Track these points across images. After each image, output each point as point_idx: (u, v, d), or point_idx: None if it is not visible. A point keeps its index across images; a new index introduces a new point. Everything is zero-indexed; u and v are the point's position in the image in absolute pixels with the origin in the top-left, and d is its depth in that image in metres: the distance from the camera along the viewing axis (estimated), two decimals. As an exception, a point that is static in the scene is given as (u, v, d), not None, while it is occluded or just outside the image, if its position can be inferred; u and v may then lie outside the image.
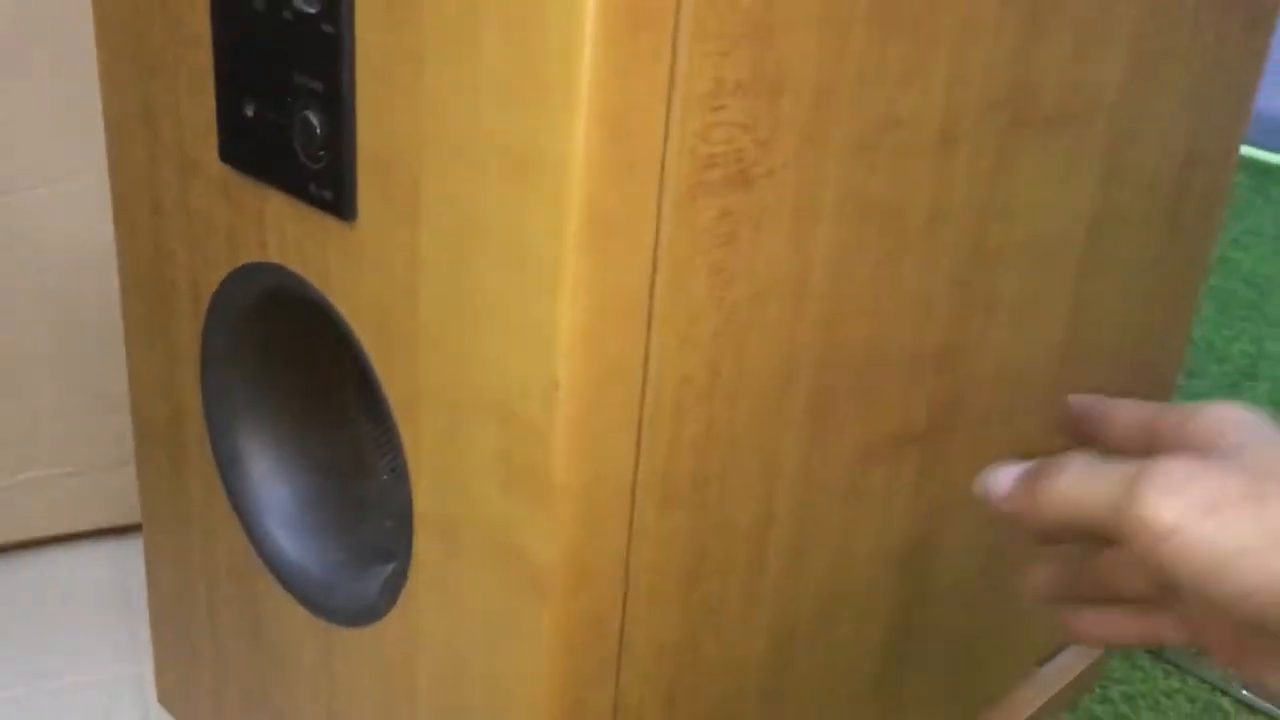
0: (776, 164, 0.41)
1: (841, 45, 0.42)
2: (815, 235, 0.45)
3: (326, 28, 0.42)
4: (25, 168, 0.81)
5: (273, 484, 0.58)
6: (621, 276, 0.39)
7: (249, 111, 0.47)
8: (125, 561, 0.94)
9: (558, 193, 0.37)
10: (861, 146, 0.45)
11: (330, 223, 0.46)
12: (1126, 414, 0.41)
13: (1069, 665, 0.83)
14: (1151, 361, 0.76)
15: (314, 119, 0.44)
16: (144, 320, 0.60)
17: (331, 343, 0.49)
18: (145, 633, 0.86)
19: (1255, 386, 1.31)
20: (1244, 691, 0.82)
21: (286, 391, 0.57)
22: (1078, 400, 0.40)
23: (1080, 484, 0.38)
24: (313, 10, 0.43)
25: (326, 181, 0.45)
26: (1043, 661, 0.82)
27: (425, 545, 0.47)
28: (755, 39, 0.39)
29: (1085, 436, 0.40)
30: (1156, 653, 0.87)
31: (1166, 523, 0.34)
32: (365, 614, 0.52)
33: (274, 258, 0.50)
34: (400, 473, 0.49)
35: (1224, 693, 0.83)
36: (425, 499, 0.46)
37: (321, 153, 0.44)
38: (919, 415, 0.55)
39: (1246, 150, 2.09)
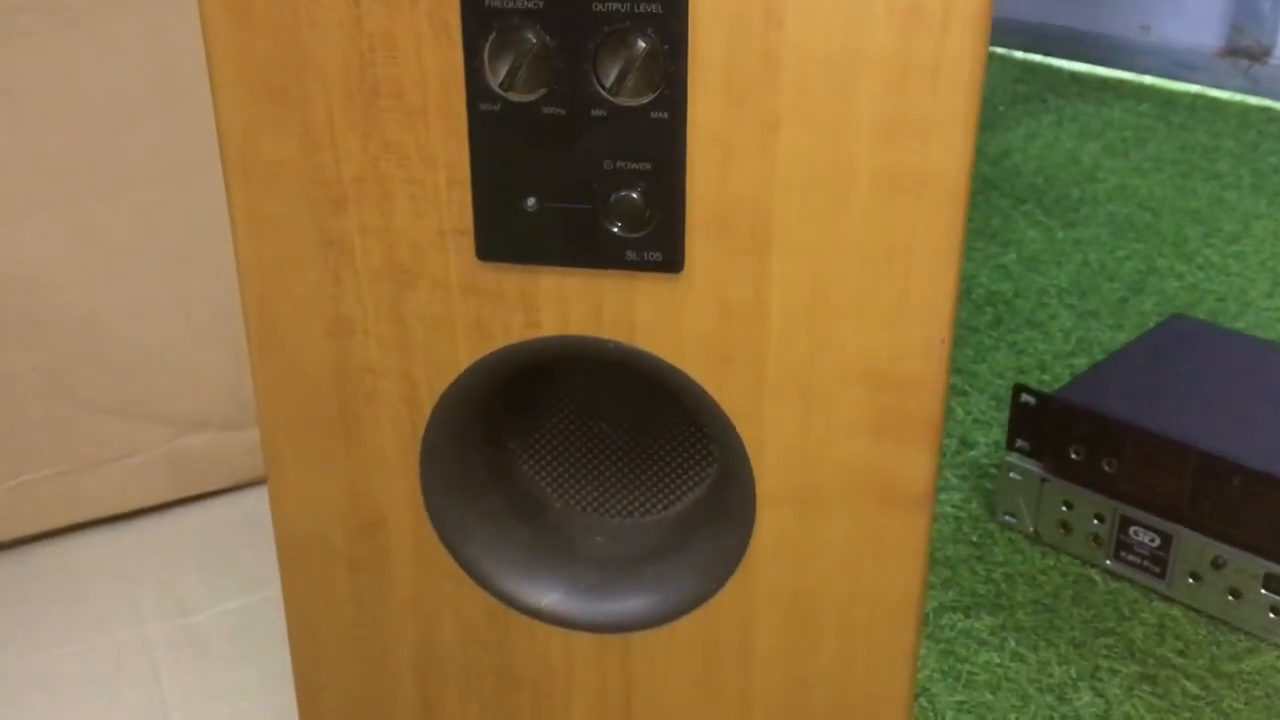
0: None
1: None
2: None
3: (658, 115, 0.50)
4: None
5: (502, 547, 0.62)
6: (959, 257, 0.52)
7: (528, 206, 0.53)
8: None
9: (948, 203, 0.50)
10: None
11: (639, 280, 0.53)
12: None
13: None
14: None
15: (635, 196, 0.52)
16: (310, 447, 0.60)
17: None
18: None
19: (1142, 300, 1.48)
20: (1107, 562, 1.00)
21: (494, 455, 0.62)
22: None
23: None
24: (643, 102, 0.50)
25: (652, 246, 0.52)
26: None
27: (773, 517, 0.57)
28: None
29: None
30: (1034, 538, 1.04)
31: None
32: (673, 609, 0.60)
33: (550, 331, 0.55)
34: (700, 478, 0.59)
35: (1093, 565, 1.00)
36: (773, 479, 0.56)
37: (646, 223, 0.52)
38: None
39: (1150, 79, 2.25)
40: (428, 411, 0.58)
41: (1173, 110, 2.13)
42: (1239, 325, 1.43)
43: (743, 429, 0.56)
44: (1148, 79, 2.29)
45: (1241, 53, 2.18)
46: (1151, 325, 1.41)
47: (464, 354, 0.57)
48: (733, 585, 0.59)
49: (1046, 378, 1.30)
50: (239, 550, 1.02)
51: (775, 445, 0.56)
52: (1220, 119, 2.11)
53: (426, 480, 0.60)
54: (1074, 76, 2.30)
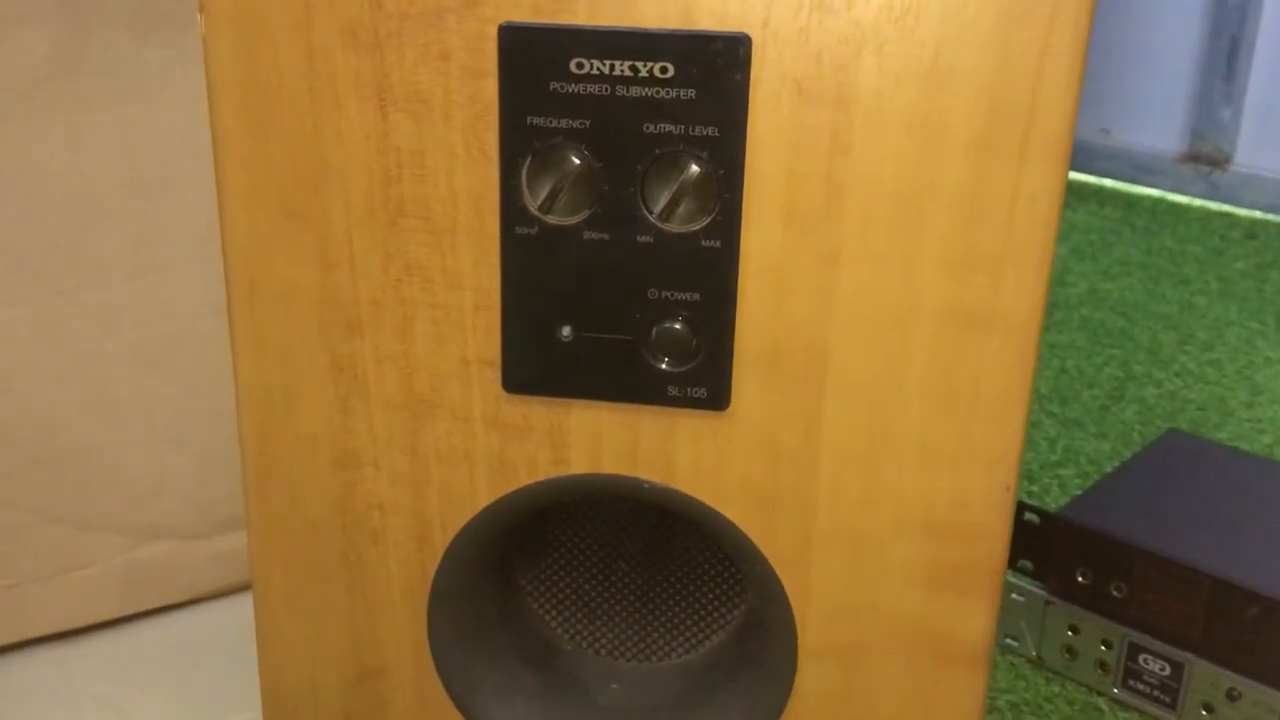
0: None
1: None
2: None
3: (710, 243, 0.47)
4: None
5: (511, 697, 0.57)
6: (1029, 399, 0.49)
7: (563, 335, 0.49)
8: None
9: (1019, 342, 0.46)
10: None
11: (680, 418, 0.49)
12: None
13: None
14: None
15: (681, 328, 0.48)
16: (307, 588, 0.55)
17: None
18: None
19: (1123, 409, 1.45)
20: (1115, 690, 0.95)
21: (504, 595, 0.57)
22: None
23: None
24: (694, 229, 0.46)
25: (697, 381, 0.48)
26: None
27: (816, 671, 0.52)
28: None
29: None
30: (1038, 663, 0.99)
31: None
32: (702, 769, 0.55)
33: (579, 470, 0.51)
34: (728, 628, 0.54)
35: (1099, 693, 0.96)
36: (817, 631, 0.52)
37: (692, 357, 0.48)
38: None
39: (1113, 184, 2.25)
40: (440, 552, 0.54)
41: (1135, 214, 2.15)
42: (1222, 436, 1.42)
43: (786, 578, 0.51)
44: (1109, 182, 2.30)
45: (1203, 159, 2.21)
46: (1135, 435, 1.40)
47: (483, 492, 0.52)
48: (770, 745, 0.55)
49: (1035, 488, 1.27)
50: (198, 670, 0.94)
51: (821, 596, 0.51)
52: (1183, 224, 2.12)
53: (434, 626, 0.55)
54: (1038, 178, 2.32)
